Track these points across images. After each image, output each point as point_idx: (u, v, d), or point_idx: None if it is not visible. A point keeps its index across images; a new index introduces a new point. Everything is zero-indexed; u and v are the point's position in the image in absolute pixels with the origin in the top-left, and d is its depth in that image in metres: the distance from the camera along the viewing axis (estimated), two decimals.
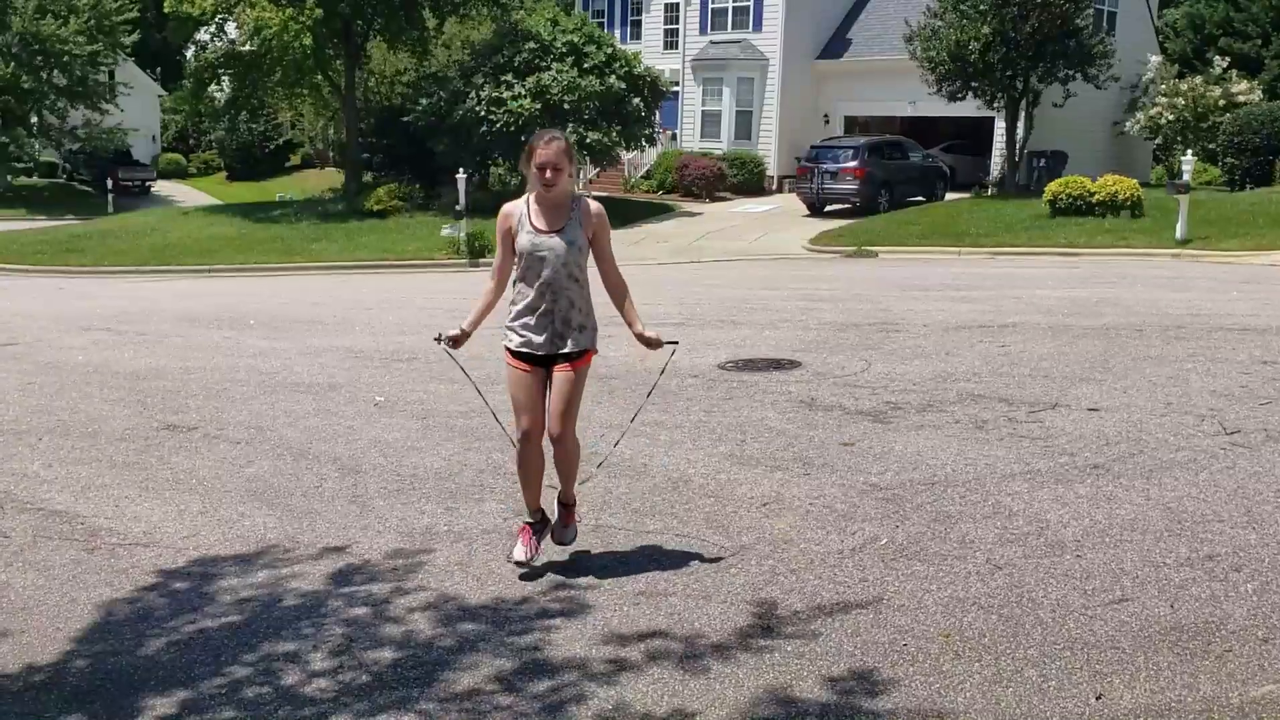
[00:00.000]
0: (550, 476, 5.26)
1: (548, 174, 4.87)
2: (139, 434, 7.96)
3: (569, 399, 5.00)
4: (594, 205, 5.05)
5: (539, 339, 4.96)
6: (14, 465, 7.22)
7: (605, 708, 3.93)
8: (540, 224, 4.94)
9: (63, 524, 6.08)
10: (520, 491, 5.29)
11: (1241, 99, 28.78)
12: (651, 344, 5.14)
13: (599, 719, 3.87)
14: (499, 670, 4.23)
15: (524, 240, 4.94)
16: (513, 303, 5.03)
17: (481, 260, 23.23)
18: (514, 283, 5.04)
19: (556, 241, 4.91)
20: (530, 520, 5.25)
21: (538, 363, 5.00)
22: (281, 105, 39.44)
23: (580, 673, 4.18)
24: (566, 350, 4.98)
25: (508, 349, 5.05)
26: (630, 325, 5.15)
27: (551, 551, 5.33)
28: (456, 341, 5.08)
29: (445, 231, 24.31)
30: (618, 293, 5.14)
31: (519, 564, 5.12)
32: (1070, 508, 5.75)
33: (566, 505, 5.29)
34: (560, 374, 5.00)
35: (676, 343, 5.36)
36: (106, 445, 7.68)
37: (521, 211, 4.99)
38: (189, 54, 34.28)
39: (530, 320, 4.96)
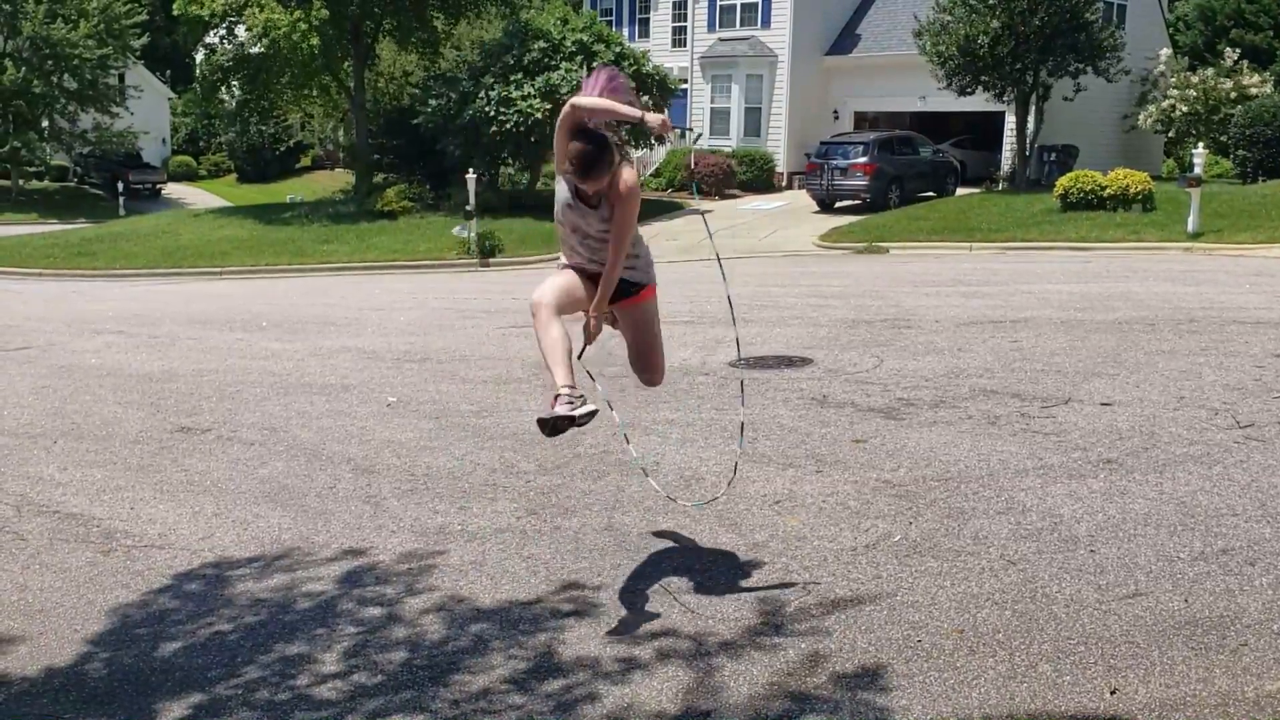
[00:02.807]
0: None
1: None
2: (153, 436, 7.99)
3: (649, 335, 4.91)
4: (626, 177, 4.75)
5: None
6: (29, 469, 7.26)
7: (618, 707, 3.94)
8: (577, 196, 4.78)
9: (79, 526, 6.12)
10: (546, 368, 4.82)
11: (1253, 91, 28.63)
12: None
13: (611, 719, 3.88)
14: (512, 670, 4.24)
15: (560, 210, 4.82)
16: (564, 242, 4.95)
17: (492, 260, 23.27)
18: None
19: (593, 220, 4.77)
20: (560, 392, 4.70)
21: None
22: (291, 107, 39.47)
23: (592, 672, 4.19)
24: (625, 278, 4.86)
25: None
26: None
27: (563, 556, 5.33)
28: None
29: (456, 231, 24.32)
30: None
31: (561, 418, 4.56)
32: (1083, 503, 5.74)
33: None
34: (627, 310, 4.92)
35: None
36: (121, 448, 7.71)
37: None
38: (199, 57, 34.33)
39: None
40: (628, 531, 5.64)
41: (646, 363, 5.07)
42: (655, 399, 8.42)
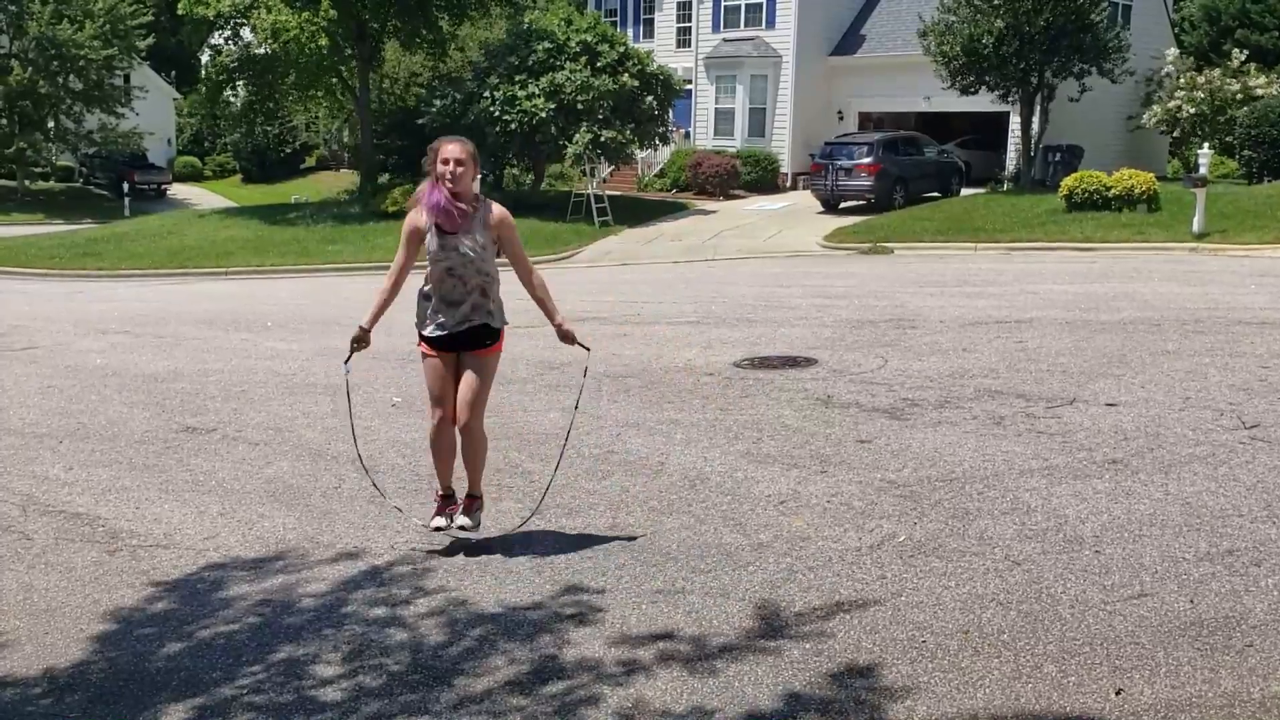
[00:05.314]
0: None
1: (451, 167, 5.15)
2: (158, 436, 8.00)
3: (476, 389, 5.34)
4: (496, 209, 5.34)
5: (449, 320, 5.29)
6: (35, 468, 7.27)
7: (621, 708, 3.93)
8: (446, 225, 5.23)
9: (84, 526, 6.12)
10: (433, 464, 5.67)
11: (1260, 92, 28.55)
12: (568, 338, 5.46)
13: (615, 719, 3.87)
14: (514, 672, 4.23)
15: (431, 242, 5.26)
16: (425, 298, 5.38)
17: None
18: (426, 281, 5.38)
19: (462, 240, 5.22)
20: (443, 493, 5.64)
21: (449, 348, 5.33)
22: (296, 108, 39.51)
23: (595, 674, 4.18)
24: (475, 325, 5.28)
25: (423, 337, 5.39)
26: (549, 317, 5.44)
27: (567, 557, 5.33)
28: (361, 340, 5.48)
29: None
30: (537, 290, 5.43)
31: (437, 529, 5.52)
32: (1089, 503, 5.73)
33: (473, 497, 5.59)
34: (469, 360, 5.32)
35: (589, 350, 5.67)
36: (126, 448, 7.72)
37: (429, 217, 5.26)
38: (204, 58, 34.38)
39: (441, 310, 5.31)
40: (632, 532, 5.64)
41: (466, 410, 5.38)
42: (660, 399, 8.41)
